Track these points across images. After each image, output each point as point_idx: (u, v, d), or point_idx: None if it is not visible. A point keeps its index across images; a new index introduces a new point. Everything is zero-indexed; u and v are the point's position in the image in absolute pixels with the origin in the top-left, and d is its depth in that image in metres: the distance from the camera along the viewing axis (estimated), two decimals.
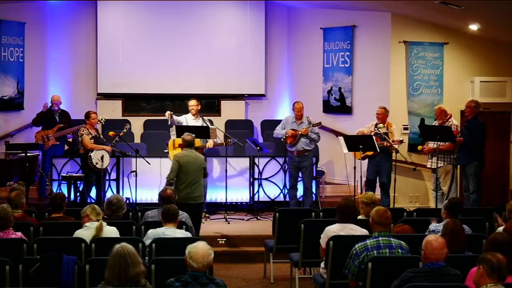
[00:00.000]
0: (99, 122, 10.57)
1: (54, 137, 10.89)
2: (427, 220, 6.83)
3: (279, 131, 10.41)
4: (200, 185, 8.60)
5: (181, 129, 10.05)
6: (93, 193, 10.30)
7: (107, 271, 4.29)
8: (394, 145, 10.11)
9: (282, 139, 10.37)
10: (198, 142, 10.10)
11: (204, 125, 10.32)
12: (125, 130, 10.47)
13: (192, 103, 10.51)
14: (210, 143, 10.24)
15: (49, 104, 11.15)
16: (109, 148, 10.25)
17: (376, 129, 10.25)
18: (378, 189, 10.39)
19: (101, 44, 12.72)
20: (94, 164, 10.02)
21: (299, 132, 10.16)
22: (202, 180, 8.75)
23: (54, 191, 10.42)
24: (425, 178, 11.58)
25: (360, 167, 10.25)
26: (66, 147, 11.39)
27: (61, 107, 11.38)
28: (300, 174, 10.41)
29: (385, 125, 10.26)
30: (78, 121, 11.16)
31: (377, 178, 10.38)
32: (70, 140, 11.30)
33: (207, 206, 10.70)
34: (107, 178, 10.74)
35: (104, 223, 6.33)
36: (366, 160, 10.39)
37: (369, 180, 10.36)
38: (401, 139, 10.27)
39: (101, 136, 10.45)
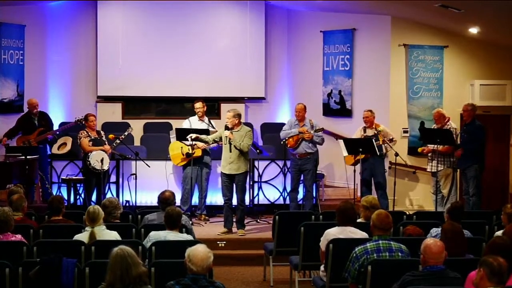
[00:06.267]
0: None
1: (36, 141, 10.72)
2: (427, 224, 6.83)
3: (287, 132, 10.28)
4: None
5: (182, 132, 10.05)
6: (94, 196, 10.30)
7: (108, 274, 4.28)
8: (386, 145, 10.16)
9: (282, 142, 10.34)
10: (198, 152, 10.14)
11: (209, 127, 10.35)
12: (126, 134, 10.48)
13: (198, 105, 10.55)
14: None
15: (26, 109, 11.02)
16: (108, 148, 10.23)
17: (376, 131, 10.29)
18: (373, 192, 10.42)
19: (101, 47, 12.70)
20: (93, 165, 10.02)
21: (301, 137, 10.12)
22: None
23: (54, 193, 10.41)
24: (425, 181, 11.57)
25: (359, 170, 10.25)
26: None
27: (61, 109, 11.35)
28: (301, 177, 10.40)
29: (373, 126, 10.37)
30: (68, 124, 11.19)
31: (372, 179, 10.42)
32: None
33: (207, 209, 10.71)
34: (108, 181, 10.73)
35: (104, 227, 6.33)
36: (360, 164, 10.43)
37: (365, 180, 10.38)
38: (391, 137, 10.29)
39: (104, 138, 10.44)
